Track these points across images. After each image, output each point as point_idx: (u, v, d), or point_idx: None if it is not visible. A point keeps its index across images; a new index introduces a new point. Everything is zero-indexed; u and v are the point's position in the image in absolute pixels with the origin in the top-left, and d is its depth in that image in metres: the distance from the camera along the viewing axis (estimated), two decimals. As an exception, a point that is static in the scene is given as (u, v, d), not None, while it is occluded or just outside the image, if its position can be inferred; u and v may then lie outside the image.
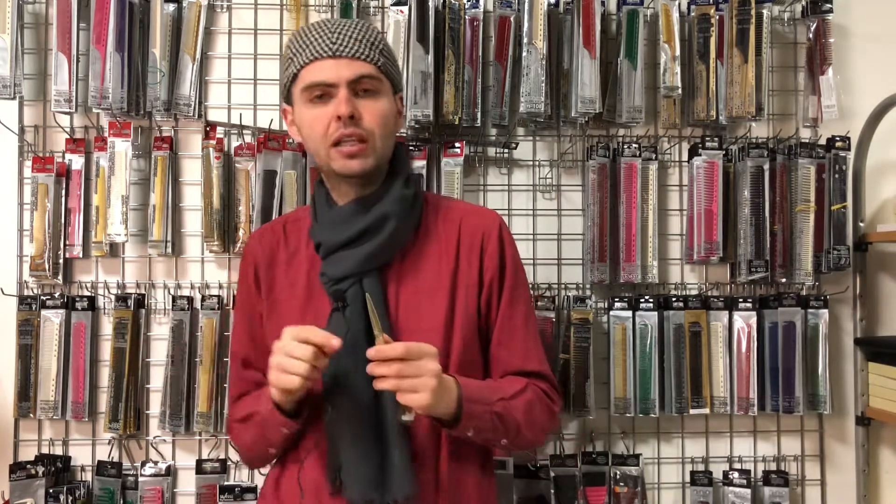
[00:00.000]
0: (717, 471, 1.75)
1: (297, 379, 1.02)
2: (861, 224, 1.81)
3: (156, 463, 1.67)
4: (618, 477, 1.69)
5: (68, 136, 1.69)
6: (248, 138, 1.71)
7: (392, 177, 1.22)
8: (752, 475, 1.74)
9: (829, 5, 1.76)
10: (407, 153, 1.33)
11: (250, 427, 1.19)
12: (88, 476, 1.68)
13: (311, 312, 1.18)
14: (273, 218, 1.63)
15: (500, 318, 1.23)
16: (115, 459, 1.68)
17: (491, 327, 1.24)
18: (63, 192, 1.67)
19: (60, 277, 1.66)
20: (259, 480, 1.66)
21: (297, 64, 1.15)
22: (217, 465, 1.67)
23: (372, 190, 1.19)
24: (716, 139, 1.73)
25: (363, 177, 1.17)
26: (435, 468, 1.16)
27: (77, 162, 1.68)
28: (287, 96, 1.21)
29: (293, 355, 1.03)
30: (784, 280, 1.73)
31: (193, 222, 1.72)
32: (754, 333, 1.73)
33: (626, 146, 1.72)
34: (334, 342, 1.03)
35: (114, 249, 1.70)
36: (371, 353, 1.02)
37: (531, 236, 1.77)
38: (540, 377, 1.23)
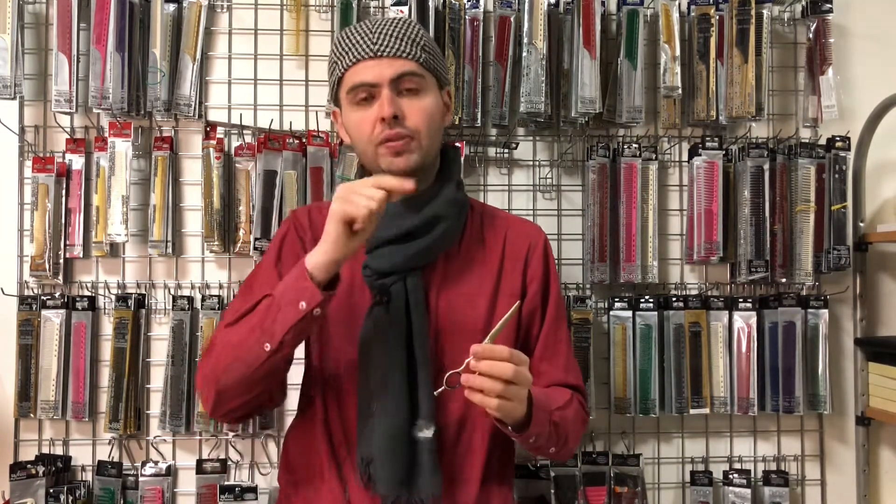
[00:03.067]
0: (717, 471, 1.75)
1: (366, 210, 1.00)
2: (861, 224, 1.81)
3: (156, 463, 1.67)
4: (618, 477, 1.69)
5: (68, 136, 1.69)
6: (248, 138, 1.71)
7: (443, 178, 1.22)
8: (752, 475, 1.74)
9: (829, 5, 1.76)
10: (459, 155, 1.32)
11: (248, 320, 1.08)
12: (89, 476, 1.69)
13: (351, 303, 1.18)
14: (273, 218, 1.64)
15: (546, 333, 1.25)
16: (116, 459, 1.68)
17: (533, 340, 1.25)
18: (63, 192, 1.67)
19: (61, 277, 1.66)
20: (259, 480, 1.67)
21: (342, 67, 1.16)
22: (217, 465, 1.66)
23: (422, 189, 1.19)
24: (716, 139, 1.73)
25: (410, 174, 1.14)
26: (468, 482, 1.18)
27: (77, 162, 1.68)
28: (335, 99, 1.22)
29: (364, 193, 1.01)
30: (784, 280, 1.73)
31: (193, 222, 1.72)
32: (754, 333, 1.73)
33: (626, 146, 1.72)
34: (407, 185, 1.02)
35: (114, 249, 1.70)
36: (478, 349, 0.99)
37: (531, 236, 1.77)
38: (576, 390, 1.26)
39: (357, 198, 1.01)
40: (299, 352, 1.17)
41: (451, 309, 1.19)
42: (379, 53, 1.13)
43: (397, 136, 1.13)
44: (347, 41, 1.16)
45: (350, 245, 1.03)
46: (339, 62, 1.17)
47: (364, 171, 1.25)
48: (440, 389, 1.04)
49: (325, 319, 1.09)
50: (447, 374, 1.03)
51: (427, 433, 1.08)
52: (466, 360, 1.01)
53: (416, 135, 1.14)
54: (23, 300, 1.66)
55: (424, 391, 1.11)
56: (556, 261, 1.77)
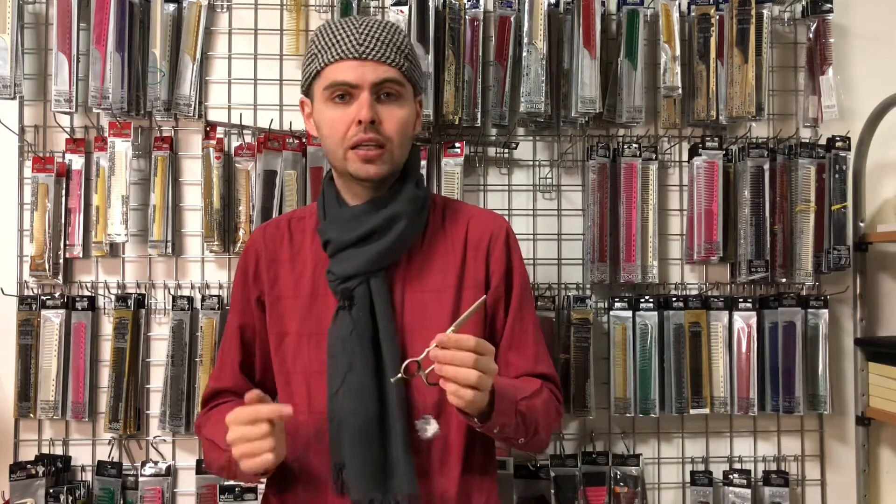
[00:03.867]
0: (717, 471, 1.75)
1: (270, 456, 1.02)
2: (861, 224, 1.81)
3: (156, 463, 1.67)
4: (618, 477, 1.69)
5: (68, 136, 1.69)
6: (248, 138, 1.71)
7: (404, 178, 1.22)
8: (752, 475, 1.74)
9: (829, 5, 1.76)
10: (419, 154, 1.33)
11: (215, 450, 1.16)
12: (88, 476, 1.69)
13: (316, 311, 1.19)
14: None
15: (511, 323, 1.23)
16: (116, 459, 1.68)
17: (499, 331, 1.24)
18: (63, 192, 1.67)
19: (60, 277, 1.66)
20: (259, 480, 1.67)
21: (322, 61, 1.14)
22: (217, 465, 1.66)
23: (384, 191, 1.20)
24: (716, 139, 1.73)
25: (378, 182, 1.17)
26: (447, 474, 1.16)
27: (77, 162, 1.68)
28: (307, 90, 1.21)
29: (251, 437, 1.02)
30: (784, 280, 1.73)
31: (193, 222, 1.72)
32: (754, 333, 1.73)
33: (626, 146, 1.72)
34: (285, 411, 1.02)
35: (114, 249, 1.70)
36: (444, 338, 0.98)
37: (531, 236, 1.77)
38: (548, 379, 1.24)
39: (253, 447, 1.02)
40: None
41: (416, 306, 1.18)
42: (364, 55, 1.11)
43: (371, 141, 1.12)
44: (332, 36, 1.14)
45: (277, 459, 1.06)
46: (321, 55, 1.14)
47: (331, 181, 1.24)
48: (396, 377, 1.03)
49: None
50: (405, 362, 1.03)
51: (432, 432, 1.08)
52: (426, 350, 0.99)
53: (388, 142, 1.14)
54: (23, 300, 1.66)
55: (398, 391, 1.11)
56: (557, 261, 1.77)
